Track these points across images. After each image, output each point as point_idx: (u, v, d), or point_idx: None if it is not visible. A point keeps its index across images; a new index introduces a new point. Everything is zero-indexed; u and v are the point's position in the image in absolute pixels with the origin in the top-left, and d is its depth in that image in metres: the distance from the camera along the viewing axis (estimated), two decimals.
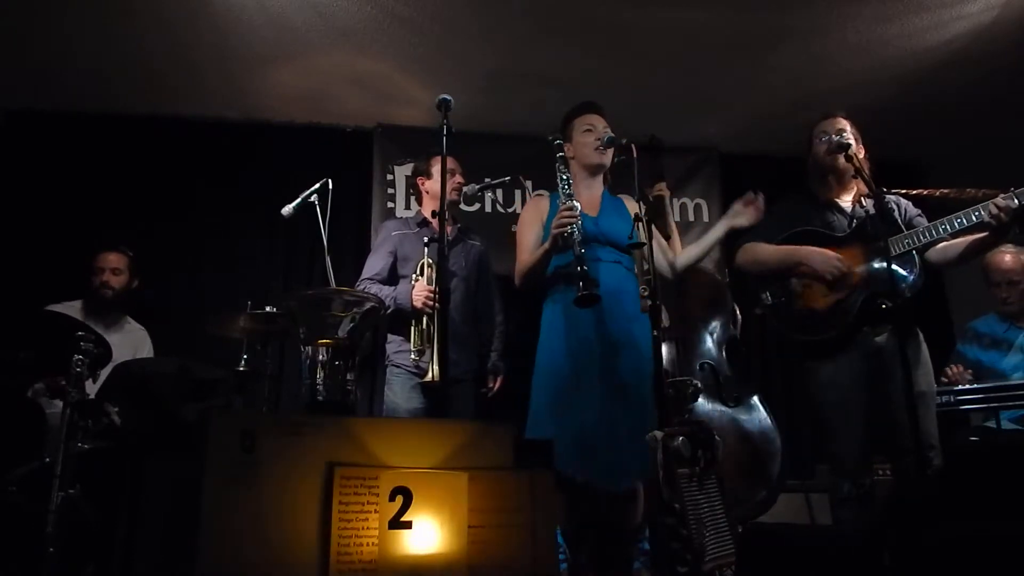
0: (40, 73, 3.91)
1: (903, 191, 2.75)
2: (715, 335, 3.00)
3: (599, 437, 2.34)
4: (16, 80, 3.96)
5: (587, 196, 2.67)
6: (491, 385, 3.26)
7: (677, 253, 2.85)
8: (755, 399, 3.00)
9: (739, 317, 3.31)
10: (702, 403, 2.77)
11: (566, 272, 2.46)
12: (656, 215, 2.34)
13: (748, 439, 2.87)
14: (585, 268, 2.30)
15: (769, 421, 2.92)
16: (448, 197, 2.67)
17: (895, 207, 2.69)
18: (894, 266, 2.44)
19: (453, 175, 3.13)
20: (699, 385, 2.10)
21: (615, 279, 2.51)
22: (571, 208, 2.40)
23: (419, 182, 3.34)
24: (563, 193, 2.50)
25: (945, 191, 2.62)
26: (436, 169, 3.14)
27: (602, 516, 2.44)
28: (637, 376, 2.41)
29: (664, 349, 2.40)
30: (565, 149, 2.69)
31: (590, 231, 2.54)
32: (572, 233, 2.36)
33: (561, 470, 2.12)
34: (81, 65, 3.86)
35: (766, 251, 2.78)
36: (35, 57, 3.78)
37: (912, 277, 2.54)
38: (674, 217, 4.81)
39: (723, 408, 2.86)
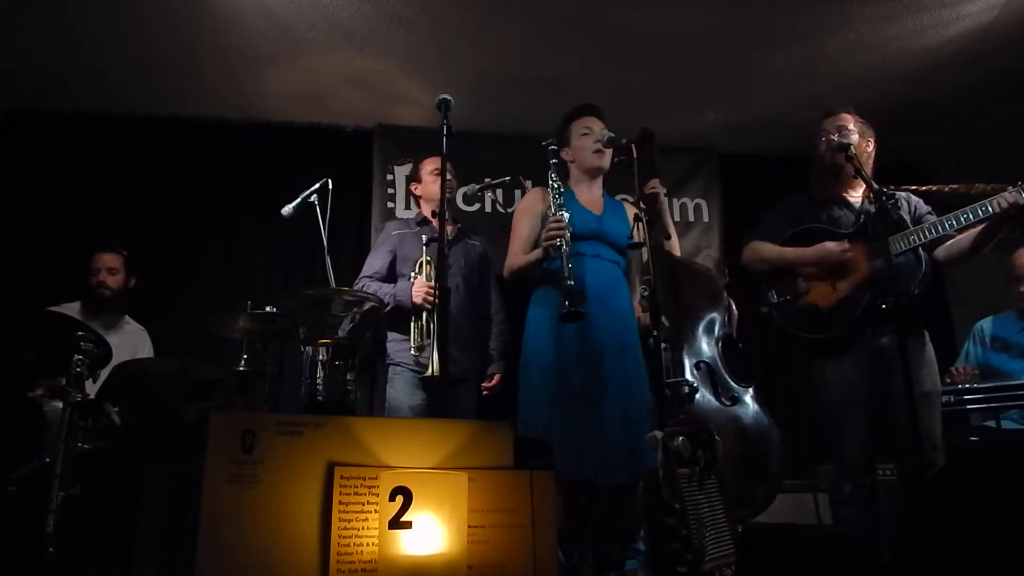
0: (40, 73, 3.91)
1: (912, 187, 2.73)
2: (710, 333, 2.98)
3: (587, 434, 2.33)
4: (16, 80, 3.95)
5: (588, 196, 2.67)
6: (488, 384, 3.26)
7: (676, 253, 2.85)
8: (752, 397, 2.98)
9: (735, 313, 3.29)
10: (699, 403, 2.76)
11: (558, 272, 2.44)
12: (652, 214, 2.32)
13: (747, 437, 2.85)
14: (572, 284, 2.29)
15: (766, 419, 2.90)
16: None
17: (904, 203, 2.68)
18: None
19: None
20: (694, 385, 2.10)
21: (610, 278, 2.52)
22: (559, 220, 2.40)
23: (412, 188, 3.44)
24: (554, 203, 2.49)
25: (954, 186, 2.61)
26: (424, 172, 3.31)
27: (597, 514, 2.43)
28: (625, 374, 2.41)
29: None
30: (563, 154, 2.68)
31: (593, 228, 2.55)
32: (561, 245, 2.35)
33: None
34: (81, 65, 3.86)
35: (770, 251, 2.78)
36: (35, 57, 3.78)
37: (922, 272, 2.52)
38: (674, 217, 4.82)
39: (720, 407, 2.84)
